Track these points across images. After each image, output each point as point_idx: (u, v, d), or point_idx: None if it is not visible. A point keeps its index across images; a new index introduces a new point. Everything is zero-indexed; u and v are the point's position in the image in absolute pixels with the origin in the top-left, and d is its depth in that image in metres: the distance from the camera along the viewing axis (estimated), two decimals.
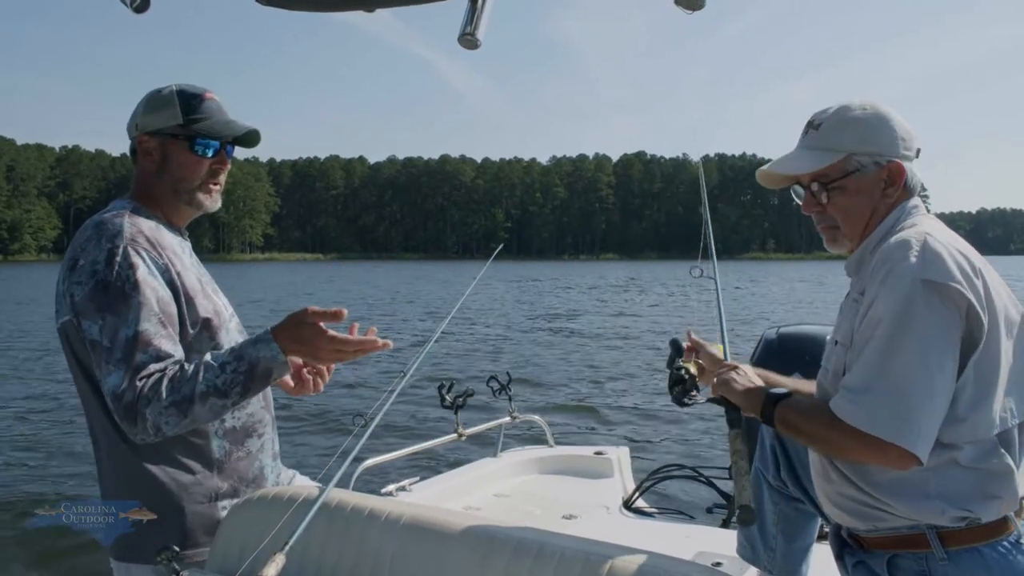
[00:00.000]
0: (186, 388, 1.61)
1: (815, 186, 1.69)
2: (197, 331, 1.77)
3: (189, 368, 1.64)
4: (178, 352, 1.69)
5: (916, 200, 1.68)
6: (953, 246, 1.52)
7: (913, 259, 1.47)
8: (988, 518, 1.50)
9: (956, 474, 1.50)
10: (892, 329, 1.46)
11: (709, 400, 1.93)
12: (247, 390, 1.66)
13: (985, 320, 1.47)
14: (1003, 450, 1.51)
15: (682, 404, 2.03)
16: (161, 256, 1.74)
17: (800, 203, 1.76)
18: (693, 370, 2.01)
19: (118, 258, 1.67)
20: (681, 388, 2.00)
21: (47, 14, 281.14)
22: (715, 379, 1.85)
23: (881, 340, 1.48)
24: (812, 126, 1.71)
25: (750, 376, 1.80)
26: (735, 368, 1.83)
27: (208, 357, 1.67)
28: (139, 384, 1.60)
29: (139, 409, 1.59)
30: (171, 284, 1.74)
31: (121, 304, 1.64)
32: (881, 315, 1.48)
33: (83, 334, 1.67)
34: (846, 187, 1.66)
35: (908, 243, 1.51)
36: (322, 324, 1.66)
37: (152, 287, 1.69)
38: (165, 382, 1.61)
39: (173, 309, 1.73)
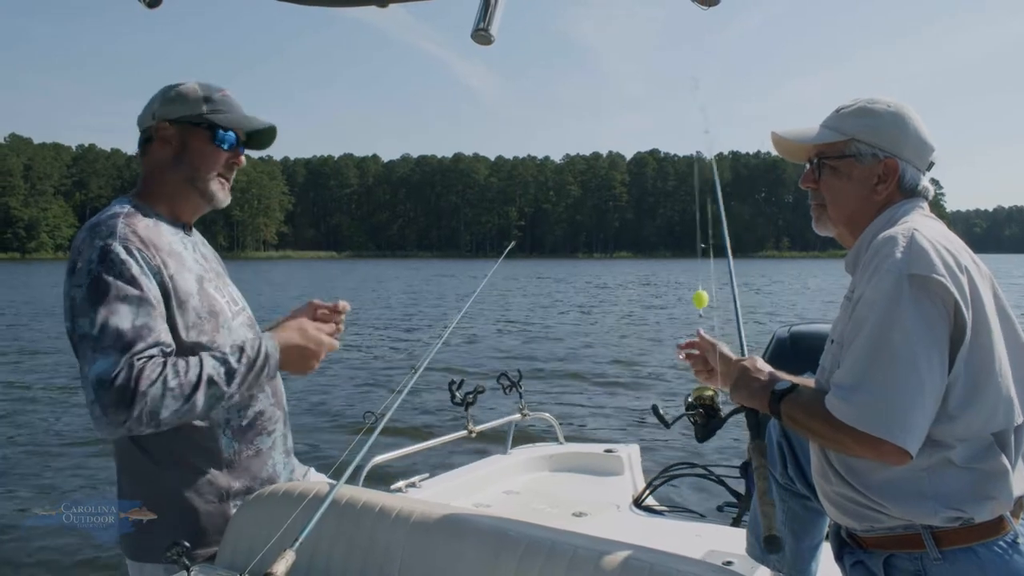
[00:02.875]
0: (191, 373, 1.63)
1: (816, 160, 1.73)
2: (190, 332, 1.76)
3: (190, 359, 1.66)
4: (173, 344, 1.70)
5: (916, 201, 1.67)
6: (939, 242, 1.51)
7: (899, 254, 1.47)
8: (982, 518, 1.49)
9: (951, 474, 1.49)
10: (879, 325, 1.46)
11: (733, 413, 1.87)
12: (244, 382, 1.71)
13: (968, 316, 1.46)
14: (999, 450, 1.50)
15: (705, 439, 1.97)
16: (155, 257, 1.73)
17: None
18: (710, 393, 1.91)
19: (111, 255, 1.67)
20: (697, 424, 1.92)
21: (48, 11, 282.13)
22: (730, 385, 1.79)
23: (869, 336, 1.47)
24: (836, 110, 1.74)
25: (755, 373, 1.74)
26: (742, 366, 1.78)
27: (211, 350, 1.72)
28: (138, 364, 1.59)
29: (137, 390, 1.57)
30: (162, 286, 1.73)
31: (114, 297, 1.64)
32: (868, 311, 1.49)
33: (76, 332, 1.66)
34: (839, 168, 1.69)
35: (895, 239, 1.51)
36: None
37: (145, 283, 1.68)
38: (169, 366, 1.61)
39: (163, 309, 1.72)
